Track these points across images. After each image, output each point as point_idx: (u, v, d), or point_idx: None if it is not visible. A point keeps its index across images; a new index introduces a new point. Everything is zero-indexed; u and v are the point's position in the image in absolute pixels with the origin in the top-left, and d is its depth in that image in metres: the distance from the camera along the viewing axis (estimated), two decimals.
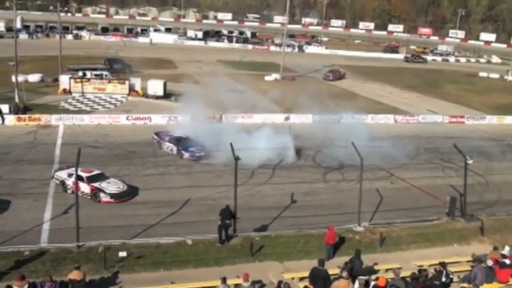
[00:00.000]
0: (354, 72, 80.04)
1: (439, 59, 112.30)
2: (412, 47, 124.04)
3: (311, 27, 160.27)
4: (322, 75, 73.24)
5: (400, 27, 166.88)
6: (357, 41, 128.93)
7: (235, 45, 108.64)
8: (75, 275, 17.71)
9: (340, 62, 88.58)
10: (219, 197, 27.74)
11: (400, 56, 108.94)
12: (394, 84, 73.41)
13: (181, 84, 54.48)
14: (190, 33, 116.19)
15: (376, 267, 20.45)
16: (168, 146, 36.78)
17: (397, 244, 23.74)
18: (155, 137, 38.49)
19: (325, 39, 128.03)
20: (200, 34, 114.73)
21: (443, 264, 18.93)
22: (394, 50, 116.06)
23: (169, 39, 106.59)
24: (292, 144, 36.73)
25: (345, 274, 17.57)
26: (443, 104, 62.13)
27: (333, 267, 19.67)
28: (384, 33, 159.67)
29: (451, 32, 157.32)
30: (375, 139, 37.02)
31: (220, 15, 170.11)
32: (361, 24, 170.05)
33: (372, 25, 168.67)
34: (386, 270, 20.15)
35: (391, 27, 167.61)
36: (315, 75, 74.03)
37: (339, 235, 23.17)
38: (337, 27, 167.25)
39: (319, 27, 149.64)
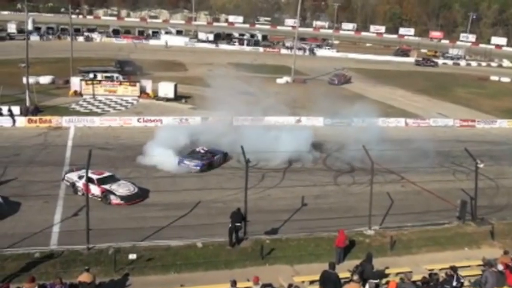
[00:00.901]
0: (365, 76, 79.79)
1: (450, 62, 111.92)
2: (423, 50, 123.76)
3: (322, 30, 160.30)
4: (327, 79, 72.70)
5: (411, 31, 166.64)
6: (368, 44, 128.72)
7: (246, 48, 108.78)
8: (85, 277, 17.71)
9: (351, 65, 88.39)
10: (230, 200, 27.66)
11: (411, 59, 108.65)
12: (405, 87, 73.15)
13: (197, 87, 54.17)
14: (202, 35, 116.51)
15: (386, 271, 20.29)
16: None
17: (407, 248, 23.60)
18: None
19: (336, 42, 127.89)
20: (211, 37, 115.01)
21: (454, 268, 18.77)
22: (405, 53, 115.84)
23: (180, 41, 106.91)
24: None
25: (355, 277, 17.46)
26: (454, 108, 61.80)
27: (343, 271, 19.54)
28: (395, 36, 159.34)
29: (462, 36, 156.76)
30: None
31: (231, 18, 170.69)
32: (372, 28, 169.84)
33: (383, 28, 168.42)
34: (397, 274, 19.99)
35: (402, 30, 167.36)
36: (325, 78, 73.85)
37: (350, 238, 23.00)
38: (348, 30, 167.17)
39: (330, 30, 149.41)
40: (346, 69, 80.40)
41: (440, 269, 20.32)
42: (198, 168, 33.14)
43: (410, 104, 62.31)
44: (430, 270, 20.31)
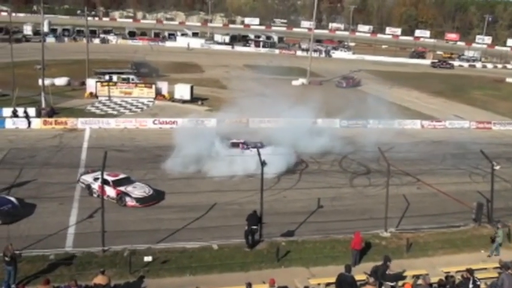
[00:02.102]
0: (381, 77, 79.31)
1: (465, 64, 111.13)
2: (439, 52, 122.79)
3: (338, 32, 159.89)
4: (335, 82, 71.71)
5: (427, 33, 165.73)
6: (383, 46, 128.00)
7: (262, 49, 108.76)
8: (100, 279, 17.68)
9: (367, 67, 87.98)
10: (245, 202, 27.55)
11: (427, 61, 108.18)
12: (421, 89, 72.69)
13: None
14: (218, 37, 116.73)
15: (402, 273, 20.10)
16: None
17: (423, 250, 23.40)
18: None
19: (352, 44, 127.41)
20: (227, 39, 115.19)
21: (470, 271, 18.56)
22: (420, 55, 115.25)
23: (196, 43, 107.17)
24: None
25: (371, 280, 17.24)
26: (470, 110, 61.22)
27: (359, 273, 19.34)
28: (411, 38, 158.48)
29: (478, 38, 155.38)
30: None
31: (247, 20, 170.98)
32: (388, 30, 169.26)
33: (398, 30, 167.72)
34: (413, 276, 19.76)
35: (418, 32, 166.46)
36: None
37: (366, 240, 22.87)
38: (364, 32, 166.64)
39: (346, 32, 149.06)
40: (356, 72, 79.81)
41: (457, 272, 20.12)
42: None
43: (426, 105, 61.84)
44: (446, 272, 20.09)
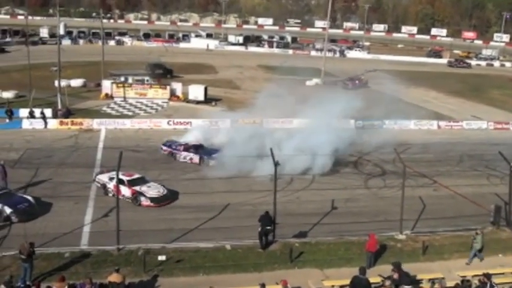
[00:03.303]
0: (397, 77, 78.77)
1: (483, 63, 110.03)
2: (456, 51, 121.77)
3: (353, 32, 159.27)
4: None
5: (444, 31, 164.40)
6: (399, 46, 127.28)
7: (275, 50, 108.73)
8: (114, 277, 17.93)
9: (382, 67, 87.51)
10: (258, 203, 27.64)
11: (444, 60, 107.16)
12: (438, 89, 72.20)
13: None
14: (231, 38, 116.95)
15: (418, 277, 19.97)
16: (186, 156, 35.60)
17: (439, 253, 23.24)
18: (165, 148, 36.99)
19: (367, 43, 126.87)
20: (241, 39, 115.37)
21: (487, 275, 18.37)
22: (437, 54, 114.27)
23: (210, 44, 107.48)
24: None
25: (388, 283, 17.21)
26: (488, 110, 60.63)
27: (374, 276, 19.31)
28: (427, 37, 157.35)
29: (496, 36, 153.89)
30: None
31: (261, 21, 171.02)
32: (404, 29, 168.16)
33: (414, 29, 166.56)
34: (429, 280, 19.64)
35: (434, 31, 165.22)
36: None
37: (381, 243, 22.78)
38: (379, 31, 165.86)
39: (361, 32, 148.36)
40: (371, 72, 79.35)
41: (473, 276, 19.98)
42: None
43: (443, 106, 61.42)
44: (462, 276, 19.97)
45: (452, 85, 75.88)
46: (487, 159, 38.30)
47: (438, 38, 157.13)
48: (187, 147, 35.97)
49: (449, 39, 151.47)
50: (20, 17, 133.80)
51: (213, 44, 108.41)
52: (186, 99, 54.28)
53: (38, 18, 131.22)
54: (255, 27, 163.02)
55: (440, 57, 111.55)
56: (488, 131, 50.84)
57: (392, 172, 34.81)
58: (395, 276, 17.57)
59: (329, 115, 36.68)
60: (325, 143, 33.41)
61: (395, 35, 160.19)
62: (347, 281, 18.34)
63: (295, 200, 29.59)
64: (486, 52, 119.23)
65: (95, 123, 43.84)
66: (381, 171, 35.86)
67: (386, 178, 34.33)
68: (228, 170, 31.92)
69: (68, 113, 45.79)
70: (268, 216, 22.65)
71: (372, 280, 18.33)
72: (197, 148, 35.86)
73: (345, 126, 46.38)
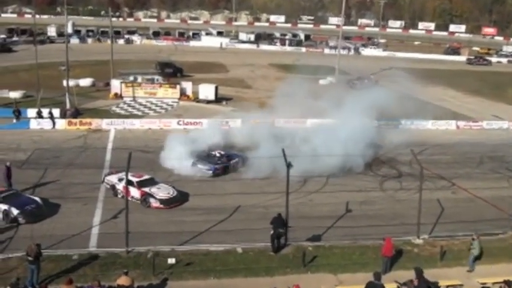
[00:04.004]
0: (414, 75, 78.32)
1: (504, 60, 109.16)
2: (475, 48, 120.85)
3: (368, 29, 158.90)
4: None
5: (462, 27, 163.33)
6: (416, 43, 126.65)
7: (288, 48, 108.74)
8: (123, 280, 18.06)
9: (398, 65, 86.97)
10: (271, 205, 27.62)
11: (463, 57, 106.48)
12: (456, 88, 71.72)
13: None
14: (242, 36, 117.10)
15: (436, 283, 19.86)
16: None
17: (458, 259, 23.01)
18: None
19: (383, 40, 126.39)
20: (252, 37, 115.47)
21: (508, 283, 18.26)
22: (455, 51, 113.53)
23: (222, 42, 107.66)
24: None
25: None
26: (509, 109, 59.95)
27: (389, 282, 19.23)
28: (445, 33, 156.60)
29: None
30: None
31: (272, 18, 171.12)
32: (421, 25, 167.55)
33: (432, 25, 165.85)
34: (447, 286, 19.51)
35: (452, 27, 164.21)
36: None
37: (397, 247, 22.66)
38: (396, 28, 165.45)
39: (376, 29, 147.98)
40: (386, 70, 78.92)
41: (494, 283, 19.83)
42: (211, 172, 32.91)
43: (462, 105, 61.00)
44: (482, 284, 19.83)
45: (471, 83, 75.36)
46: (508, 161, 38.05)
47: (456, 34, 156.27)
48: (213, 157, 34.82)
49: (468, 35, 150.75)
50: (27, 16, 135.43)
51: (223, 42, 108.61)
52: (197, 99, 54.43)
53: (46, 16, 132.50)
54: (267, 24, 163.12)
55: (458, 54, 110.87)
56: (510, 131, 50.32)
57: (409, 174, 34.64)
58: (415, 282, 17.46)
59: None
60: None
61: (412, 31, 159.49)
62: (361, 287, 18.29)
63: (308, 202, 29.54)
64: (507, 49, 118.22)
65: (103, 123, 44.10)
66: (397, 173, 35.69)
67: (402, 180, 34.13)
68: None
69: (77, 113, 46.09)
70: (281, 218, 22.66)
71: (387, 286, 18.28)
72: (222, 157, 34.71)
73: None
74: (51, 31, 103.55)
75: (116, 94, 54.09)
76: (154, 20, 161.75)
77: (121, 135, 42.20)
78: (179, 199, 28.57)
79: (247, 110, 45.39)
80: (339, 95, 43.28)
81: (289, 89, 45.64)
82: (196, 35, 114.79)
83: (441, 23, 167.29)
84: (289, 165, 22.57)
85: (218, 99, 54.42)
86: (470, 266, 22.22)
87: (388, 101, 41.52)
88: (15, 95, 50.76)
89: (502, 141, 45.18)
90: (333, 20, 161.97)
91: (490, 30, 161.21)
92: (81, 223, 25.04)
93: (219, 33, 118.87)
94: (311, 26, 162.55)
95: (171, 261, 20.55)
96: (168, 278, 20.11)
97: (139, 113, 49.33)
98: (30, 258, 19.17)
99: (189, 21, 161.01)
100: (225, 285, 19.51)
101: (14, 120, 43.42)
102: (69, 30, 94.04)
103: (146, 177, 29.48)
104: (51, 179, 30.89)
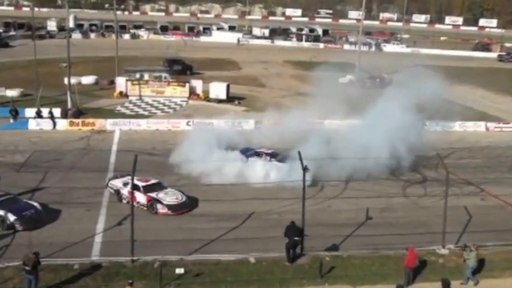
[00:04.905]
0: (440, 73, 77.95)
1: None
2: (508, 44, 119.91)
3: (390, 23, 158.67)
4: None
5: (494, 22, 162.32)
6: (442, 38, 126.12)
7: (304, 44, 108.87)
8: None
9: (423, 62, 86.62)
10: (285, 211, 27.60)
11: (493, 54, 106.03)
12: (486, 87, 71.21)
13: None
14: (256, 31, 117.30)
15: None
16: None
17: (488, 271, 22.91)
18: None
19: (406, 36, 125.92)
20: (267, 32, 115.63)
21: None
22: (486, 47, 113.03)
23: (234, 38, 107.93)
24: None
25: None
26: None
27: None
28: (475, 28, 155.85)
29: None
30: None
31: (288, 11, 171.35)
32: (448, 19, 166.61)
33: (460, 20, 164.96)
34: None
35: (482, 21, 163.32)
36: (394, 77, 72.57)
37: (420, 258, 22.62)
38: (420, 22, 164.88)
39: (399, 23, 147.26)
40: (410, 68, 78.51)
41: None
42: None
43: (492, 105, 60.65)
44: None
45: (502, 82, 74.79)
46: None
47: (487, 29, 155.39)
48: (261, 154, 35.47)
49: (499, 30, 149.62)
50: (25, 9, 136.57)
51: (235, 37, 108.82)
52: (207, 98, 54.61)
53: (45, 9, 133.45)
54: (282, 18, 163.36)
55: (489, 50, 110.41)
56: None
57: (434, 179, 34.44)
58: None
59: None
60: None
61: (438, 26, 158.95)
62: None
63: (326, 209, 29.53)
64: None
65: (108, 123, 44.36)
66: (421, 177, 35.53)
67: (427, 186, 33.99)
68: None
69: (79, 113, 46.41)
70: (295, 226, 22.68)
71: None
72: (272, 155, 35.19)
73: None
74: (51, 25, 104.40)
75: (120, 93, 54.42)
76: (162, 14, 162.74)
77: (126, 136, 42.41)
78: (188, 205, 28.67)
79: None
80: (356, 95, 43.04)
81: (305, 88, 45.59)
82: (207, 30, 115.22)
83: (470, 17, 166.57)
84: (305, 169, 22.60)
85: (230, 99, 54.58)
86: (464, 280, 21.93)
87: (412, 100, 41.29)
88: (12, 93, 51.15)
89: None
90: (353, 14, 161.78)
91: None
92: (83, 230, 25.12)
93: (231, 28, 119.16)
94: (329, 20, 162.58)
95: (179, 271, 20.61)
96: None
97: (146, 113, 49.60)
98: (27, 268, 19.12)
99: (199, 15, 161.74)
100: None
101: (11, 120, 43.82)
102: (71, 24, 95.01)
103: (153, 181, 29.58)
104: (52, 183, 30.98)
